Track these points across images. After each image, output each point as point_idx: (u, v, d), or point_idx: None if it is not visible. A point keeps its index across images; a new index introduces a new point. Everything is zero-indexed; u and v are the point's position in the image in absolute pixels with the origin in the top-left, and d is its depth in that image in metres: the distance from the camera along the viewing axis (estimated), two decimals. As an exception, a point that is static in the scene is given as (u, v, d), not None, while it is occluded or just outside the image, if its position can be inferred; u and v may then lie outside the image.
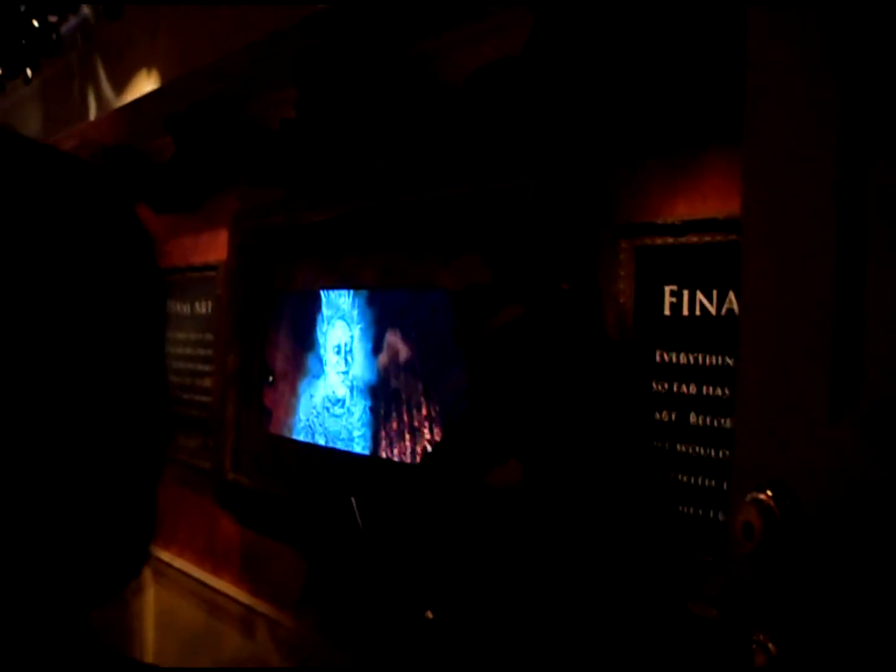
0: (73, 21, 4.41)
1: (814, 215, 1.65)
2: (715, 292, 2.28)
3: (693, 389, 2.31)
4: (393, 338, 3.12)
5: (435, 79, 2.92)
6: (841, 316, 1.63)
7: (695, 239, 2.32)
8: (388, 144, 3.10)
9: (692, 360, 2.32)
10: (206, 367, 4.19)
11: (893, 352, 1.44)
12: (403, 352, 3.07)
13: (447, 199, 2.78)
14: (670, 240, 2.37)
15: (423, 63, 2.98)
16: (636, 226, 2.43)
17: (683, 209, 2.36)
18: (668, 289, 2.38)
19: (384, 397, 3.15)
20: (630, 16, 2.35)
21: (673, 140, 2.38)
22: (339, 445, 3.34)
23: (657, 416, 2.33)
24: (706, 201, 2.31)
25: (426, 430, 2.92)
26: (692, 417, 2.30)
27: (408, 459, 3.00)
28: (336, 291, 3.43)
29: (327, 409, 3.44)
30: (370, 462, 3.16)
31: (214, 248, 4.17)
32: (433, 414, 2.92)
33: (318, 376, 3.51)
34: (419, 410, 2.97)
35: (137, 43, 3.94)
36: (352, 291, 3.36)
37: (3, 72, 4.25)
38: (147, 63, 3.83)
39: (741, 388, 1.76)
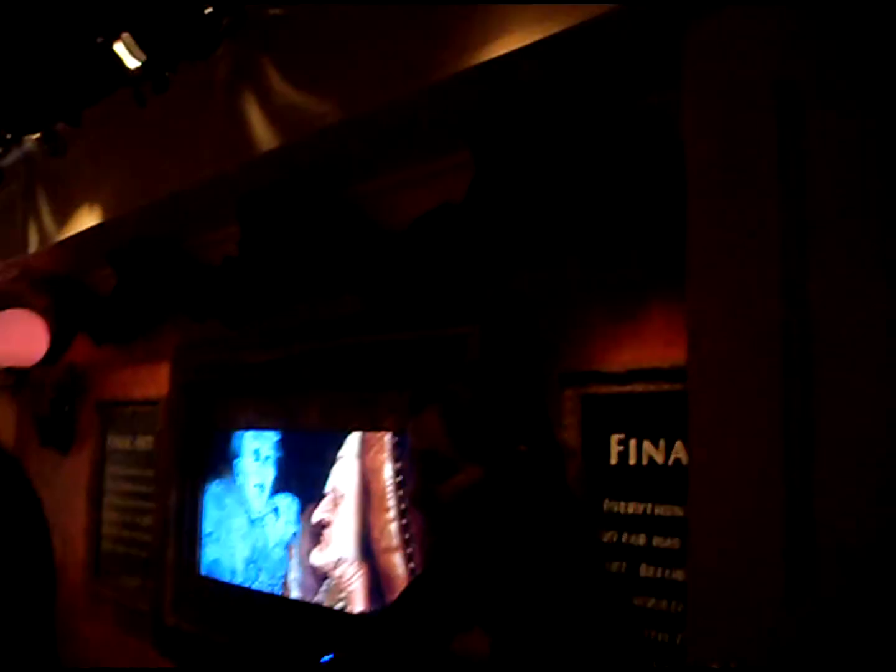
0: (16, 153, 4.39)
1: (760, 363, 1.67)
2: (662, 441, 2.28)
3: (643, 540, 2.29)
4: (336, 480, 3.07)
5: (375, 222, 2.94)
6: (793, 471, 1.63)
7: (640, 388, 2.33)
8: (330, 286, 3.10)
9: (641, 510, 2.30)
10: (148, 505, 4.08)
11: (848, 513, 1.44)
12: (345, 495, 3.02)
13: (391, 344, 2.78)
14: (616, 388, 2.37)
15: (364, 204, 3.01)
16: (581, 374, 2.44)
17: (628, 357, 2.37)
18: (615, 437, 2.37)
19: (324, 541, 3.09)
20: (573, 165, 2.40)
21: (616, 288, 2.40)
22: (282, 591, 3.26)
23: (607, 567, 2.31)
24: (650, 349, 2.32)
25: (366, 581, 2.86)
26: (643, 569, 2.27)
27: (354, 610, 2.93)
28: (275, 431, 3.38)
29: (267, 552, 3.36)
30: (314, 610, 3.08)
31: (155, 381, 4.11)
32: (377, 566, 2.86)
33: (258, 518, 3.44)
34: (367, 560, 2.91)
35: (80, 178, 3.93)
36: (290, 432, 3.32)
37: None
38: (90, 198, 3.82)
39: (693, 559, 1.74)
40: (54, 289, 4.82)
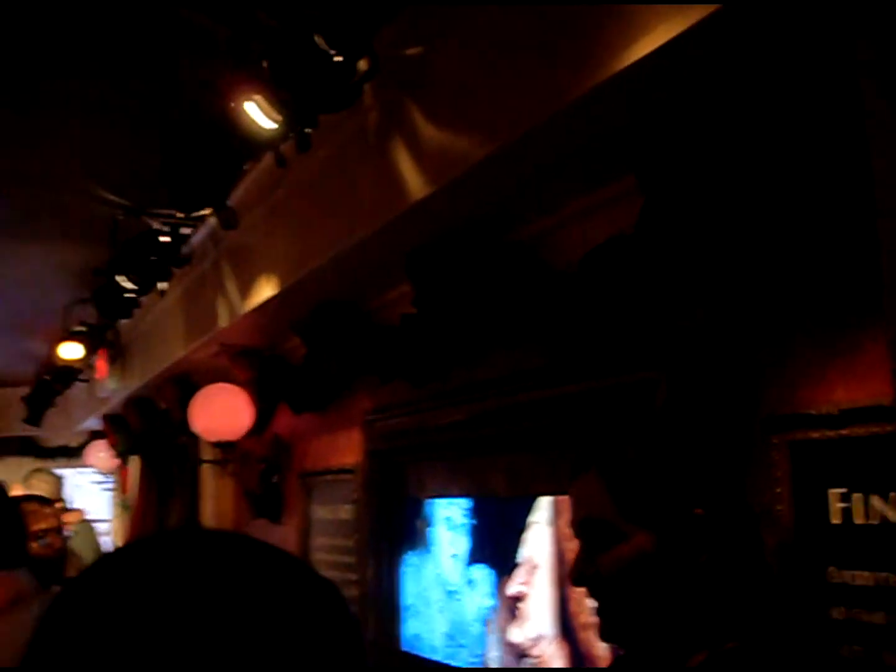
0: (203, 231, 4.42)
1: None
2: (894, 495, 1.88)
3: (881, 618, 1.88)
4: (529, 549, 2.79)
5: (544, 262, 2.68)
6: None
7: (860, 431, 1.94)
8: (507, 335, 2.86)
9: (875, 581, 1.90)
10: (351, 576, 3.93)
11: None
12: (539, 566, 2.74)
13: (568, 397, 2.49)
14: (829, 432, 1.99)
15: (529, 246, 2.76)
16: (787, 417, 2.07)
17: (841, 395, 1.99)
18: (834, 492, 1.99)
19: (520, 616, 2.81)
20: (756, 179, 2.06)
21: (823, 318, 2.03)
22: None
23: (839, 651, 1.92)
24: (867, 384, 1.94)
25: None
26: (886, 657, 1.86)
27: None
28: (465, 497, 3.15)
29: (466, 627, 3.11)
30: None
31: (351, 448, 3.97)
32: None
33: (455, 591, 3.20)
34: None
35: (257, 249, 3.89)
36: (479, 498, 3.08)
37: (138, 287, 4.26)
38: (267, 268, 3.76)
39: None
40: (254, 361, 4.82)
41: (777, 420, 2.08)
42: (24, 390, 8.41)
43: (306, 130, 2.59)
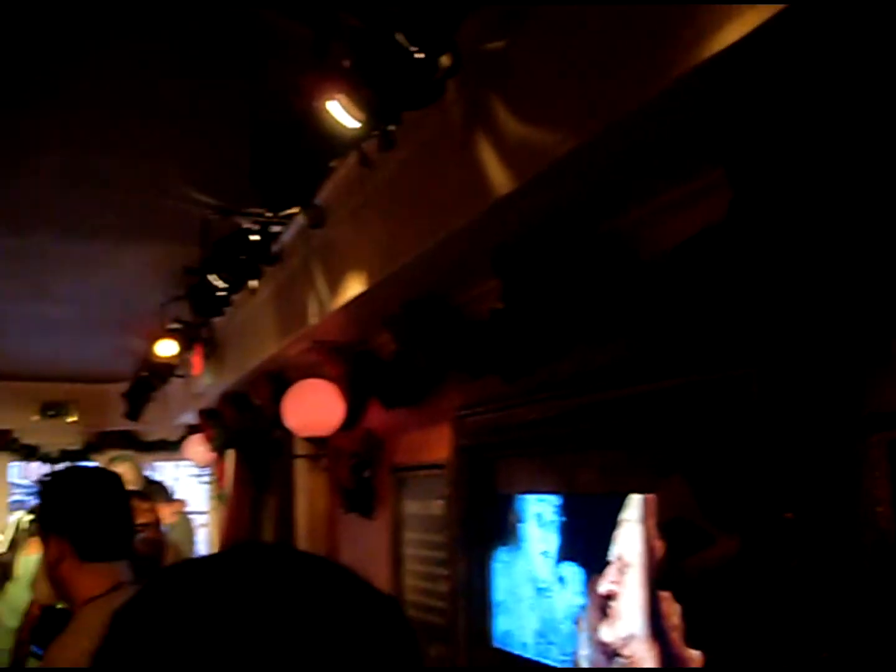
0: (293, 229, 4.46)
1: None
2: None
3: None
4: (620, 547, 2.75)
5: (634, 255, 2.62)
6: None
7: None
8: (597, 329, 2.81)
9: None
10: (443, 571, 3.93)
11: None
12: (631, 564, 2.69)
13: (657, 394, 2.45)
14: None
15: (619, 239, 2.71)
16: (888, 416, 1.99)
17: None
18: (939, 492, 1.91)
19: (611, 615, 2.77)
20: (857, 180, 1.99)
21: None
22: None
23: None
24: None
25: None
26: None
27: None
28: (555, 494, 3.12)
29: (556, 625, 3.09)
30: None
31: (442, 444, 3.96)
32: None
33: (545, 588, 3.17)
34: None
35: (346, 246, 3.91)
36: (569, 494, 3.05)
37: (229, 286, 4.33)
38: (356, 265, 3.77)
39: None
40: (345, 356, 4.85)
41: (878, 418, 2.01)
42: (124, 386, 8.64)
43: (390, 128, 2.59)
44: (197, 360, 6.64)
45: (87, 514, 2.40)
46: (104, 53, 3.21)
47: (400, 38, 2.39)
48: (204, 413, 8.07)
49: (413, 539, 4.33)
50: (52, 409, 10.37)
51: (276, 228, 4.40)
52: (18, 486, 10.64)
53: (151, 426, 9.69)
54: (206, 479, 9.27)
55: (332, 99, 2.48)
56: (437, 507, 4.03)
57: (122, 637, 0.65)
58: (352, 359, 4.79)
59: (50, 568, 2.39)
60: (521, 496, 3.36)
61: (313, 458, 5.43)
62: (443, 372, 3.82)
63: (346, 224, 3.83)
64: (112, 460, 6.16)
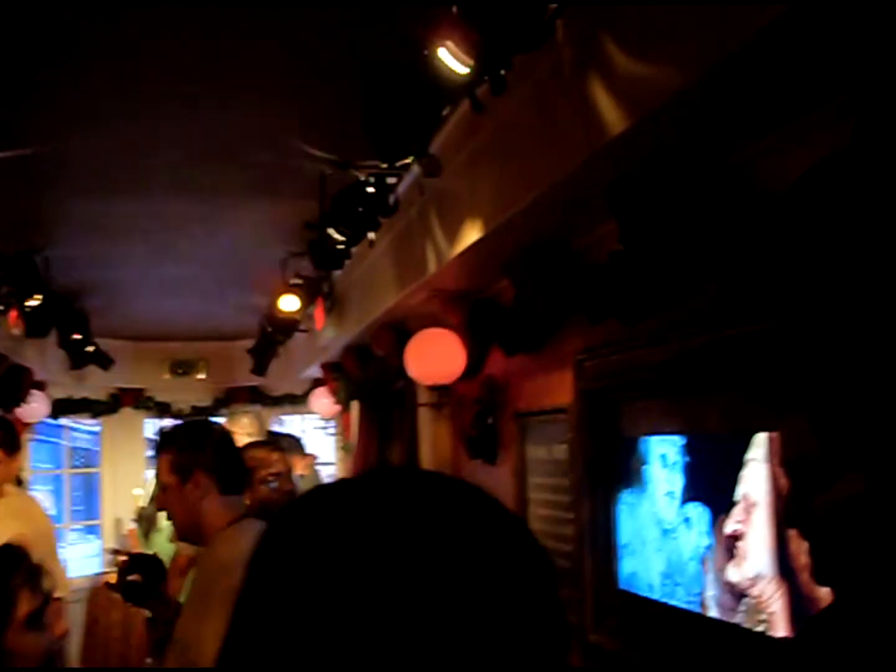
0: (408, 178, 4.49)
1: None
2: None
3: None
4: (746, 487, 2.72)
5: (754, 188, 2.57)
6: None
7: None
8: (719, 267, 2.77)
9: None
10: (567, 514, 3.96)
11: None
12: (757, 504, 2.67)
13: (777, 332, 2.40)
14: None
15: (741, 172, 2.65)
16: None
17: None
18: None
19: (738, 555, 2.75)
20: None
21: None
22: (700, 609, 2.97)
23: None
24: None
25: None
26: None
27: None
28: (679, 435, 3.10)
29: (682, 566, 3.08)
30: (733, 631, 2.76)
31: (563, 389, 3.97)
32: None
33: (671, 529, 3.17)
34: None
35: (461, 193, 3.92)
36: (693, 435, 3.03)
37: (347, 239, 4.38)
38: (472, 212, 3.78)
39: None
40: (465, 305, 4.88)
41: None
42: (250, 343, 8.86)
43: (501, 73, 2.58)
44: (319, 315, 6.75)
45: (229, 454, 2.90)
46: (216, 12, 3.24)
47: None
48: (327, 366, 8.23)
49: (537, 483, 4.36)
50: (182, 368, 10.70)
51: (391, 180, 4.43)
52: (154, 441, 11.04)
53: (277, 381, 9.91)
54: (332, 431, 9.47)
55: (442, 45, 2.48)
56: (560, 451, 4.05)
57: (275, 546, 0.69)
58: (471, 307, 4.82)
59: (194, 502, 2.78)
60: (644, 438, 3.35)
61: (436, 407, 5.49)
62: (562, 317, 3.81)
63: (461, 172, 3.83)
64: (233, 414, 6.32)
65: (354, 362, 7.32)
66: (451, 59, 2.49)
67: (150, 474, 9.52)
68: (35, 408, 8.70)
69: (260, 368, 8.77)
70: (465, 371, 4.95)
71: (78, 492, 10.56)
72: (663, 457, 3.21)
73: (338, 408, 8.64)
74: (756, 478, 2.67)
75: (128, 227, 6.07)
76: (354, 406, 8.09)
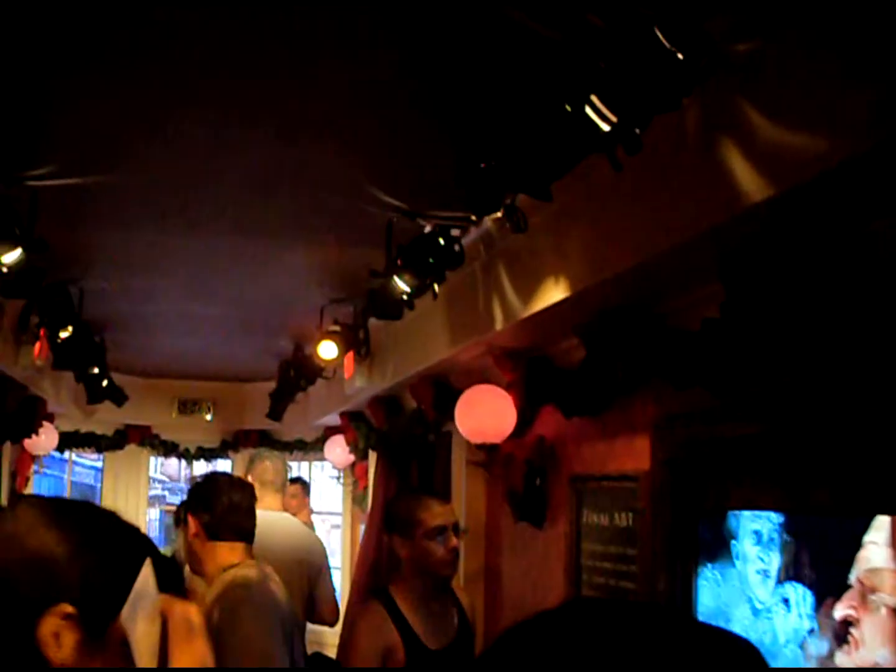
0: (474, 233, 4.44)
1: None
2: None
3: None
4: (862, 570, 2.63)
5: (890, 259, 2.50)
6: None
7: None
8: (833, 341, 2.70)
9: None
10: (630, 585, 3.85)
11: None
12: (876, 589, 2.57)
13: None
14: None
15: (873, 242, 2.58)
16: None
17: None
18: None
19: (851, 643, 2.65)
20: None
21: None
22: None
23: None
24: None
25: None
26: None
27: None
28: (777, 512, 3.01)
29: (777, 649, 2.97)
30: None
31: (632, 455, 3.89)
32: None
33: (764, 609, 3.07)
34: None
35: (542, 251, 3.85)
36: (796, 513, 2.94)
37: (412, 290, 4.31)
38: (554, 271, 3.71)
39: None
40: (520, 362, 4.81)
41: None
42: (262, 386, 8.75)
43: (637, 132, 2.53)
44: (349, 362, 6.66)
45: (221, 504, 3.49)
46: (282, 45, 3.10)
47: (657, 35, 2.33)
48: (347, 415, 8.12)
49: (593, 550, 4.25)
50: (191, 407, 10.57)
51: (457, 232, 4.38)
52: (158, 480, 10.89)
53: (289, 426, 9.78)
54: (344, 481, 9.34)
55: (588, 98, 2.42)
56: (624, 518, 3.95)
57: None
58: (527, 365, 4.74)
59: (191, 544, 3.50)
60: (733, 512, 3.25)
61: (484, 466, 5.39)
62: (638, 382, 3.73)
63: (545, 228, 3.76)
64: (257, 458, 6.20)
65: (381, 413, 7.22)
66: (595, 116, 2.43)
67: (153, 512, 9.35)
68: (44, 440, 8.55)
69: (276, 413, 8.64)
70: (514, 430, 4.86)
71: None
72: (757, 533, 3.12)
73: (352, 458, 8.52)
74: (876, 561, 2.58)
75: (165, 262, 5.97)
76: (373, 458, 7.97)
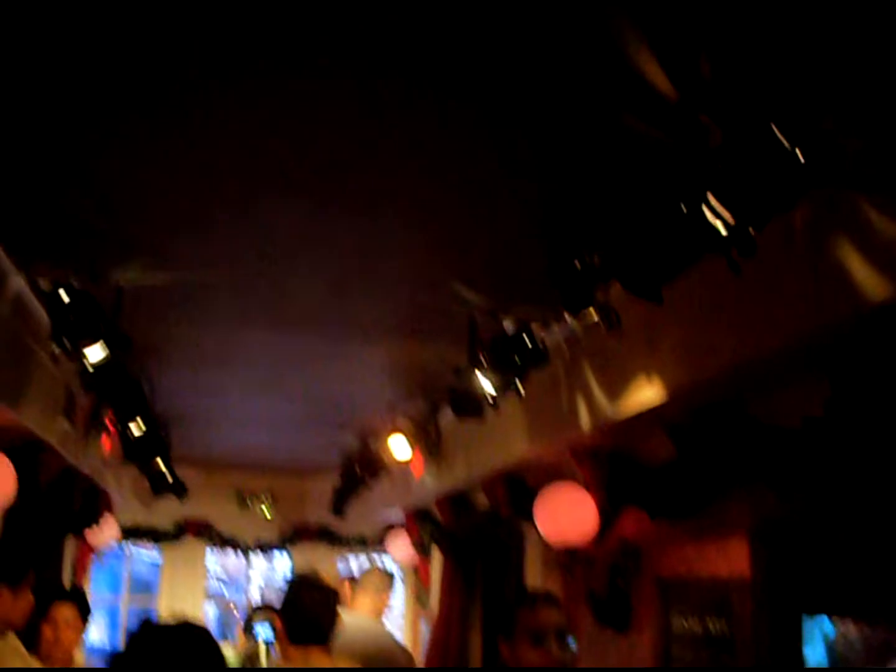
0: (558, 330, 4.40)
1: None
2: None
3: None
4: None
5: None
6: None
7: None
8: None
9: None
10: (724, 695, 3.71)
11: None
12: None
13: None
14: None
15: None
16: None
17: None
18: None
19: None
20: None
21: None
22: None
23: None
24: None
25: None
26: None
27: None
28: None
29: None
30: None
31: (726, 558, 3.77)
32: None
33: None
34: None
35: (633, 351, 3.80)
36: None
37: (495, 388, 4.26)
38: (646, 371, 3.66)
39: None
40: (600, 460, 4.73)
41: None
42: (324, 478, 8.68)
43: (752, 233, 2.49)
44: (417, 459, 6.60)
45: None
46: (364, 143, 3.03)
47: (773, 132, 2.30)
48: (411, 511, 8.03)
49: (683, 656, 4.11)
50: (250, 500, 10.52)
51: (539, 328, 4.35)
52: (215, 574, 10.80)
53: (349, 522, 9.69)
54: (406, 578, 9.19)
55: (704, 201, 2.40)
56: (718, 624, 3.82)
57: None
58: (609, 464, 4.66)
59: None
60: (841, 617, 3.13)
61: (561, 567, 5.26)
62: (731, 483, 3.64)
63: (633, 326, 3.72)
64: (367, 574, 6.07)
65: (448, 510, 7.12)
66: (712, 216, 2.40)
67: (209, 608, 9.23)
68: (106, 533, 8.52)
69: (339, 508, 8.58)
70: (596, 530, 4.76)
71: (134, 621, 10.28)
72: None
73: (415, 555, 8.39)
74: None
75: (239, 357, 5.98)
76: (436, 555, 7.84)
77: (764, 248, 2.83)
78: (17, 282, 4.29)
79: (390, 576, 5.73)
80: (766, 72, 2.31)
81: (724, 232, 2.41)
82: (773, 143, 2.31)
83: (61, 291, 4.01)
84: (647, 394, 3.64)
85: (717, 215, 2.42)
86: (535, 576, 5.68)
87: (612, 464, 4.64)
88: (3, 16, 2.38)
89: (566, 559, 5.10)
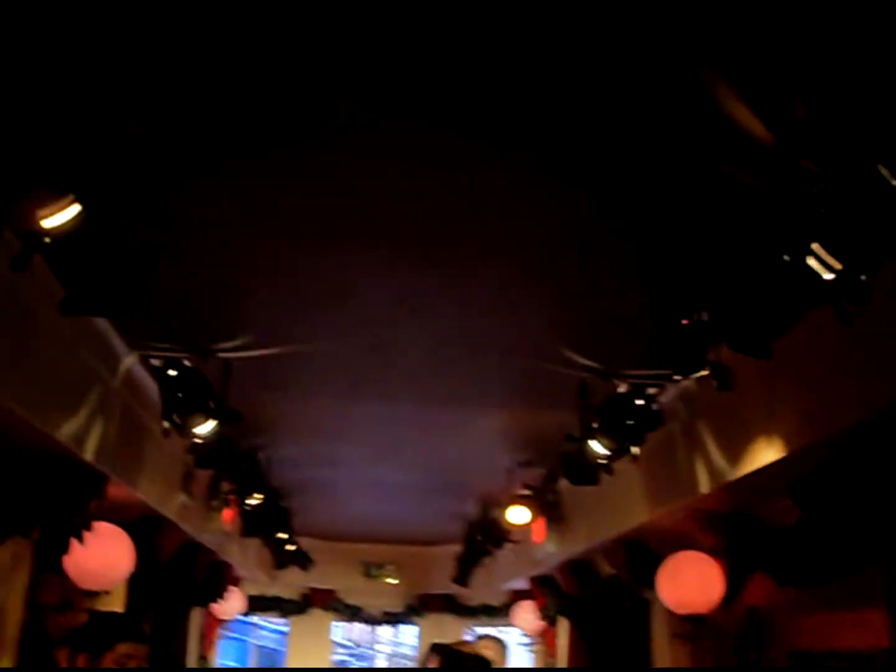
0: (672, 391, 4.24)
1: None
2: None
3: None
4: None
5: None
6: None
7: None
8: None
9: None
10: None
11: None
12: None
13: None
14: None
15: None
16: None
17: None
18: None
19: None
20: None
21: None
22: None
23: None
24: None
25: None
26: None
27: None
28: None
29: None
30: None
31: (862, 629, 3.52)
32: None
33: None
34: None
35: (751, 409, 3.61)
36: None
37: (609, 453, 4.12)
38: (766, 430, 3.47)
39: None
40: (724, 525, 4.51)
41: None
42: (446, 549, 8.57)
43: (863, 279, 2.32)
44: (539, 526, 6.44)
45: None
46: (472, 221, 3.07)
47: (880, 172, 2.15)
48: (536, 579, 7.84)
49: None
50: (375, 570, 10.47)
51: (652, 390, 4.20)
52: (342, 645, 10.75)
53: (474, 591, 9.54)
54: (533, 647, 8.97)
55: (803, 252, 2.25)
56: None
57: None
58: (733, 528, 4.43)
59: None
60: None
61: (692, 639, 5.02)
62: (867, 547, 3.40)
63: (749, 385, 3.53)
64: (480, 639, 5.92)
65: (571, 578, 6.92)
66: (818, 265, 2.25)
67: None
68: (231, 604, 8.58)
69: (462, 577, 8.44)
70: (722, 598, 4.53)
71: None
72: None
73: (542, 624, 8.18)
74: None
75: (353, 430, 5.97)
76: (563, 624, 7.62)
77: (881, 293, 2.66)
78: (130, 360, 4.35)
79: (502, 644, 5.58)
80: (867, 110, 2.16)
81: (831, 280, 2.25)
82: (881, 184, 2.15)
83: (170, 370, 4.06)
84: (766, 453, 3.46)
85: (824, 263, 2.27)
86: (661, 645, 5.44)
87: (736, 527, 4.41)
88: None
89: (691, 630, 4.86)
